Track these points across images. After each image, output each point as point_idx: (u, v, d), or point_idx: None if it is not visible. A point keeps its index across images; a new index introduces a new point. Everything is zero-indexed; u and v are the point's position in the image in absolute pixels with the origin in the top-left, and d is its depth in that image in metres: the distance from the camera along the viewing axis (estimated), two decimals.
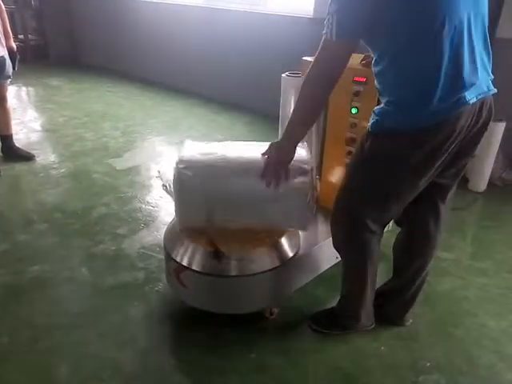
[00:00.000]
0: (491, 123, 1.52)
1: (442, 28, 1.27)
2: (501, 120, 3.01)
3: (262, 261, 1.76)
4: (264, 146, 1.71)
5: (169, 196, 3.05)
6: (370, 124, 1.52)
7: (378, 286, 1.88)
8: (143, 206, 2.92)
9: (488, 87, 1.43)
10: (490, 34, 1.43)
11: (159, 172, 3.38)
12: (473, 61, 1.36)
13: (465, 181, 3.25)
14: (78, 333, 1.88)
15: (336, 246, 1.79)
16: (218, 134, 4.32)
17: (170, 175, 3.28)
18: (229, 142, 1.89)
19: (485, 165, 3.17)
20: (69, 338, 1.85)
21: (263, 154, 1.69)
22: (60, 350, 1.79)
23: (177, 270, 1.82)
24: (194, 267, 1.75)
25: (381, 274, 1.87)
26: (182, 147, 1.82)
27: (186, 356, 1.79)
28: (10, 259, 2.32)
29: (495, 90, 1.46)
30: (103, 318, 1.96)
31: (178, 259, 1.80)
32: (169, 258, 1.87)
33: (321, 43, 1.38)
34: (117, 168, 3.46)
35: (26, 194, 3.08)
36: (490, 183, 3.27)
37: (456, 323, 1.99)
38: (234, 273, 1.72)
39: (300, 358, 1.78)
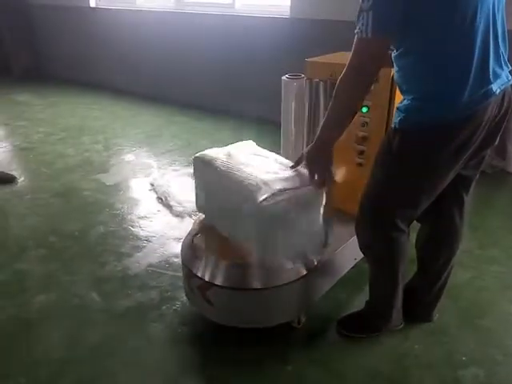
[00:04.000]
0: None
1: (474, 19, 1.27)
2: None
3: (291, 270, 1.71)
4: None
5: (166, 209, 2.94)
6: (395, 121, 1.50)
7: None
8: (141, 221, 2.80)
9: (507, 77, 1.45)
10: None
11: (152, 185, 3.27)
12: (496, 52, 1.38)
13: None
14: (99, 364, 1.76)
15: (363, 248, 1.76)
16: (204, 140, 4.22)
17: (163, 187, 3.21)
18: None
19: None
20: (91, 370, 1.73)
21: (296, 165, 1.70)
22: None
23: (202, 287, 1.74)
24: (222, 283, 1.68)
25: None
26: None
27: (221, 376, 1.71)
28: (12, 290, 2.16)
29: None
30: (124, 344, 1.85)
31: (203, 276, 1.72)
32: (191, 274, 1.78)
33: (354, 43, 1.34)
34: (106, 183, 3.31)
35: (15, 218, 2.88)
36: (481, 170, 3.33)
37: (481, 313, 2.00)
38: (265, 285, 1.66)
39: (337, 366, 1.74)
